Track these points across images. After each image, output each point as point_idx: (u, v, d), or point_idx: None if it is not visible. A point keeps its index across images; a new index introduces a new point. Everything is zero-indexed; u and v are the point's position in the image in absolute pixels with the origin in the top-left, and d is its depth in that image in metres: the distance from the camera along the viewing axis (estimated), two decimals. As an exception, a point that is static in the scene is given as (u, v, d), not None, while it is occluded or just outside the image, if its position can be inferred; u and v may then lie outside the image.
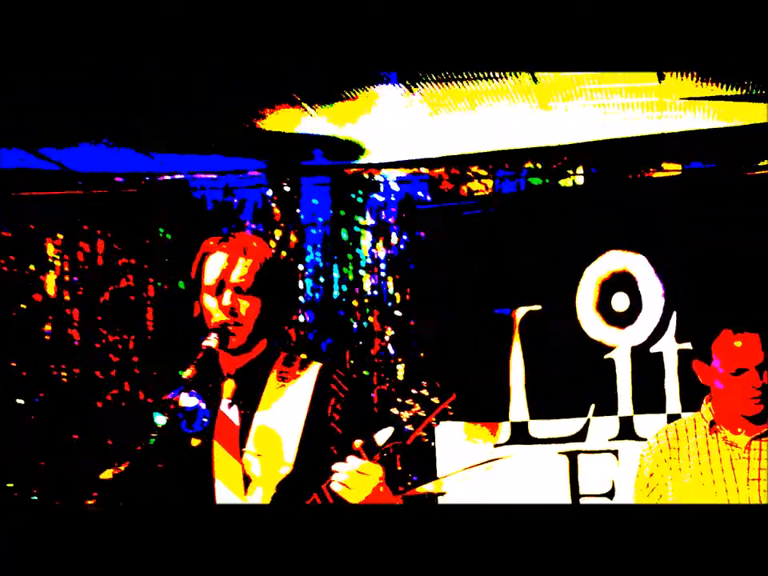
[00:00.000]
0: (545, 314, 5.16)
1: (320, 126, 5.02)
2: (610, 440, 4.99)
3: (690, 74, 4.37)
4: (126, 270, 5.66)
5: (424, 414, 2.74)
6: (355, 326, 5.48)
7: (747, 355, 3.58)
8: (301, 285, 5.52)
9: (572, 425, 5.05)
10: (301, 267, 5.54)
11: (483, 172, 5.42)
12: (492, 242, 5.25)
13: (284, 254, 5.53)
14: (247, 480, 2.83)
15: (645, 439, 4.16)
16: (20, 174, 5.53)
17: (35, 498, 5.30)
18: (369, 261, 5.53)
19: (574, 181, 5.32)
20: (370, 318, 5.47)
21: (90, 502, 2.55)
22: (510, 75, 4.38)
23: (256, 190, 5.64)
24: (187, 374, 2.71)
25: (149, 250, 5.66)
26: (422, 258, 5.46)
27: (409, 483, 5.04)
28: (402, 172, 5.53)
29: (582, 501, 4.98)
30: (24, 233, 5.65)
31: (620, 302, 5.06)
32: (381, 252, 5.53)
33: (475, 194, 5.45)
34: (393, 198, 5.54)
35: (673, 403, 4.88)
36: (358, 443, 2.69)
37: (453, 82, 4.45)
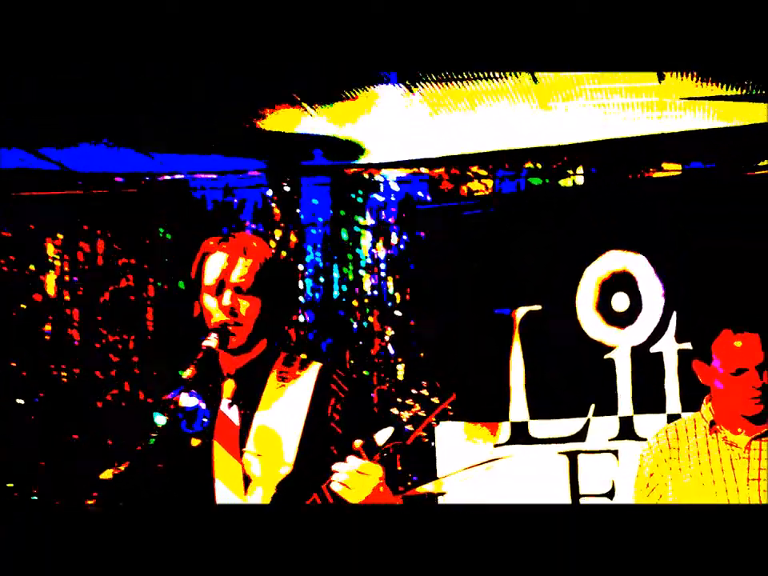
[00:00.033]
0: (545, 314, 5.15)
1: (320, 126, 5.02)
2: (610, 440, 4.99)
3: (689, 74, 4.36)
4: (126, 270, 5.65)
5: (424, 414, 2.73)
6: (355, 325, 5.48)
7: (747, 355, 3.58)
8: (301, 285, 5.52)
9: (572, 425, 5.05)
10: (301, 267, 5.54)
11: (483, 172, 5.42)
12: (492, 242, 5.25)
13: (284, 253, 5.53)
14: (247, 480, 2.83)
15: (645, 439, 4.15)
16: (20, 174, 5.53)
17: (35, 497, 5.29)
18: (369, 261, 5.52)
19: (573, 181, 5.32)
20: (370, 318, 5.47)
21: (90, 502, 2.55)
22: (510, 75, 4.37)
23: (256, 190, 5.64)
24: (187, 374, 2.71)
25: (149, 250, 5.66)
26: (422, 258, 5.46)
27: (409, 483, 5.03)
28: (402, 172, 5.53)
29: (582, 501, 4.98)
30: (24, 233, 5.64)
31: (620, 302, 5.06)
32: (381, 252, 5.52)
33: (475, 194, 5.45)
34: (393, 198, 5.54)
35: (673, 403, 4.88)
36: (358, 443, 2.69)
37: (453, 82, 4.45)
